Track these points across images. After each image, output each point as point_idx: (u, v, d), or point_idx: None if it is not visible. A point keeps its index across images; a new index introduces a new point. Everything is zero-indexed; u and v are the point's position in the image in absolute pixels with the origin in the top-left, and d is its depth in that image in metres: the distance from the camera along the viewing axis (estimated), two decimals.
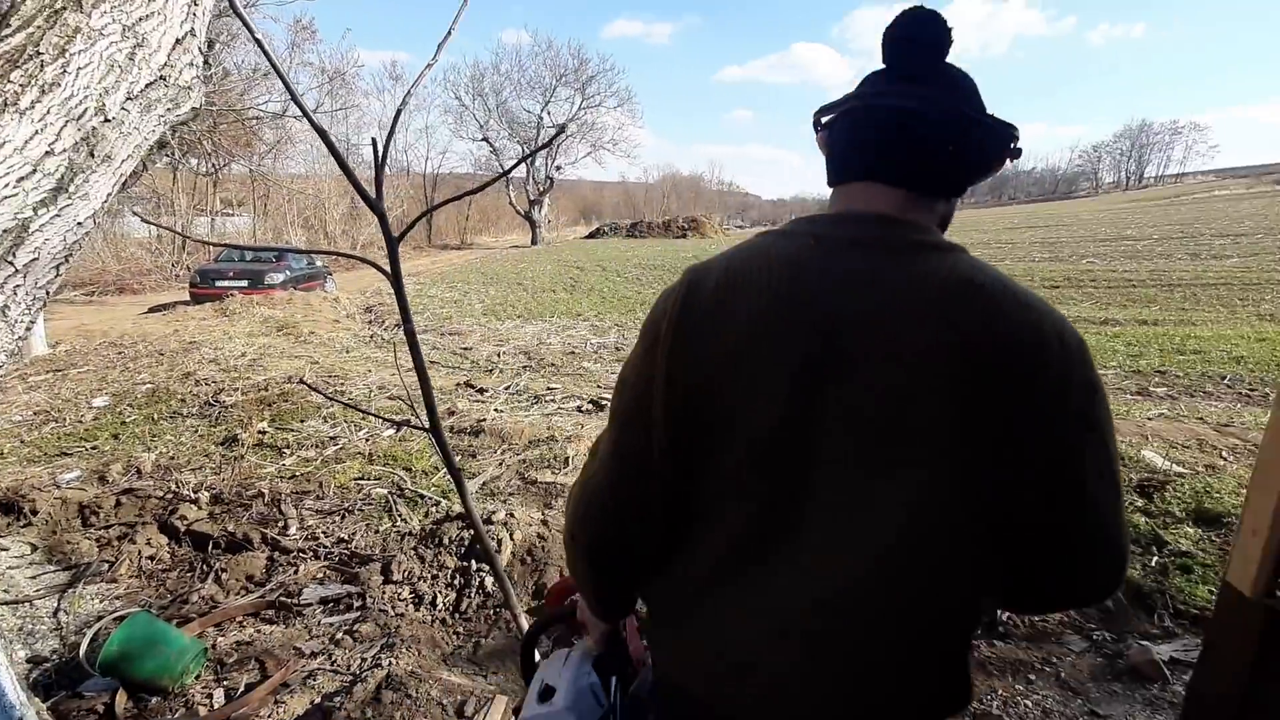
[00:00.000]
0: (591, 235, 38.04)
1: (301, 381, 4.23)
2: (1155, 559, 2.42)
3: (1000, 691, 1.97)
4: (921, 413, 0.63)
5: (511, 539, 2.70)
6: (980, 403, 0.62)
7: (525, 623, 1.81)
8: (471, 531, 2.66)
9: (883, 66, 0.74)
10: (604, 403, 4.41)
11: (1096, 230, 20.82)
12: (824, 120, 0.78)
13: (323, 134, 1.40)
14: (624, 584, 0.82)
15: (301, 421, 4.20)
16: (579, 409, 4.42)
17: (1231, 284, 9.00)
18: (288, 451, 3.77)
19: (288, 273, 11.24)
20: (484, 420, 4.05)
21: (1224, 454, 3.16)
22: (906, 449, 0.63)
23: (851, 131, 0.74)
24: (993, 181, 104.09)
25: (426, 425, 1.58)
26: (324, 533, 2.94)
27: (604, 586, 0.84)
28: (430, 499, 3.15)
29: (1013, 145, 0.74)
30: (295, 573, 2.66)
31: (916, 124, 0.70)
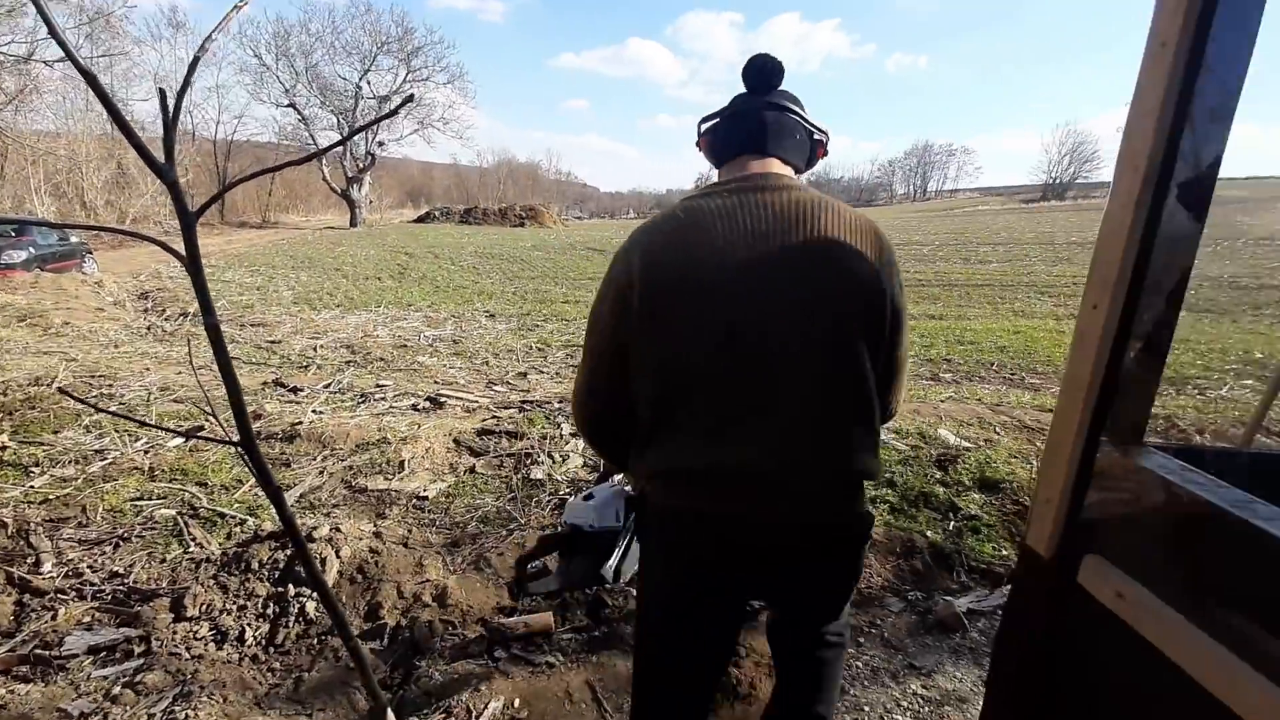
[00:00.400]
0: (421, 219, 35.79)
1: (54, 385, 3.41)
2: (952, 523, 2.76)
3: None
4: (835, 277, 1.01)
5: (338, 556, 2.39)
6: (865, 261, 1.03)
7: (363, 650, 1.57)
8: (289, 551, 2.31)
9: (744, 90, 1.16)
10: (444, 400, 4.11)
11: (893, 236, 23.83)
12: (705, 126, 1.19)
13: (93, 81, 1.06)
14: (621, 451, 1.16)
15: (55, 433, 3.39)
16: (415, 407, 4.08)
17: (994, 285, 10.77)
18: (36, 470, 3.02)
19: (31, 250, 9.16)
20: (299, 424, 3.56)
21: (997, 429, 3.73)
22: (831, 303, 1.00)
23: (733, 126, 1.15)
24: (809, 182, 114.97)
25: (235, 438, 1.29)
26: (91, 567, 2.39)
27: (607, 455, 1.23)
28: (233, 517, 2.69)
29: (825, 143, 1.22)
30: (53, 618, 2.12)
31: (774, 119, 1.13)
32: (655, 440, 1.05)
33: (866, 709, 1.97)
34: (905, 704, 2.00)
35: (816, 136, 1.19)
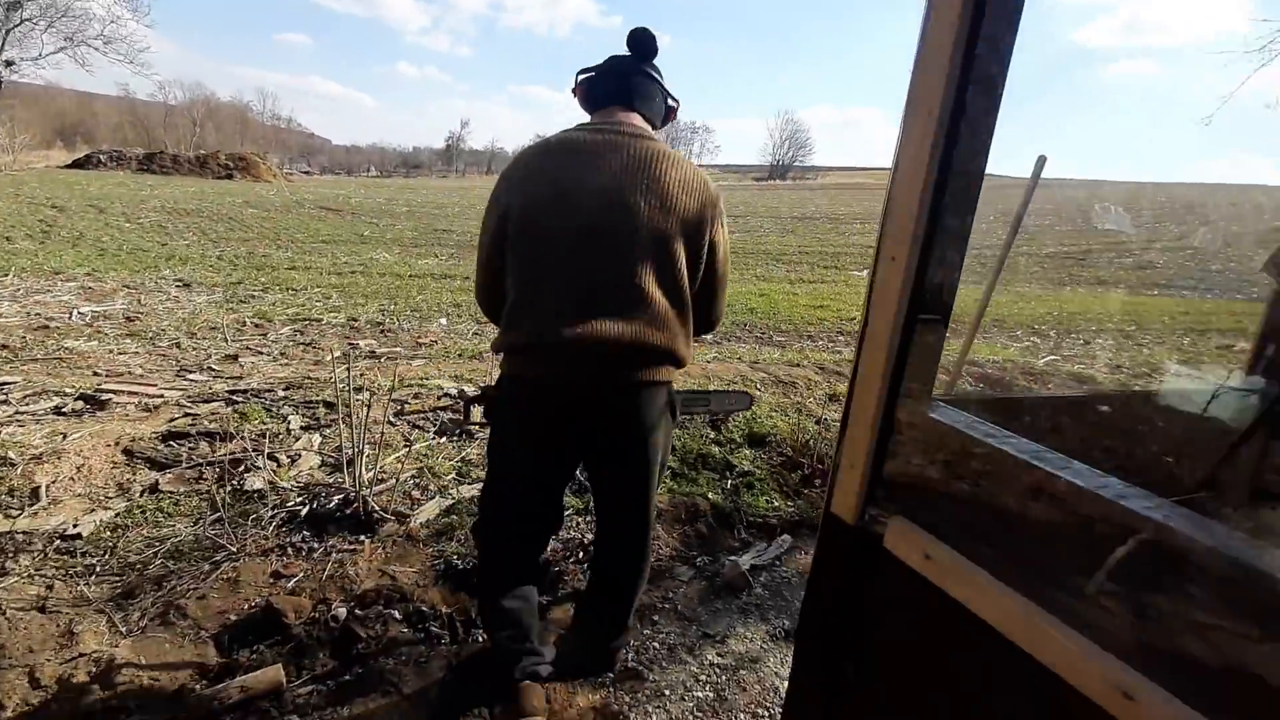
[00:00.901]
0: (78, 164, 27.86)
1: None
2: (729, 481, 2.80)
3: (632, 642, 1.95)
4: (670, 209, 1.29)
5: None
6: (694, 202, 1.33)
7: None
8: None
9: (621, 53, 1.44)
10: (107, 397, 3.05)
11: None
12: (583, 77, 1.45)
13: None
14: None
15: None
16: (60, 410, 2.95)
17: (738, 253, 11.79)
18: None
19: None
20: None
21: (758, 385, 3.95)
22: (664, 228, 1.29)
23: (607, 80, 1.42)
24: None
25: None
26: None
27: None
28: None
29: (676, 109, 1.52)
30: None
31: (640, 82, 1.42)
32: (511, 322, 1.34)
33: (667, 692, 1.84)
34: (704, 677, 1.92)
35: (670, 103, 1.50)
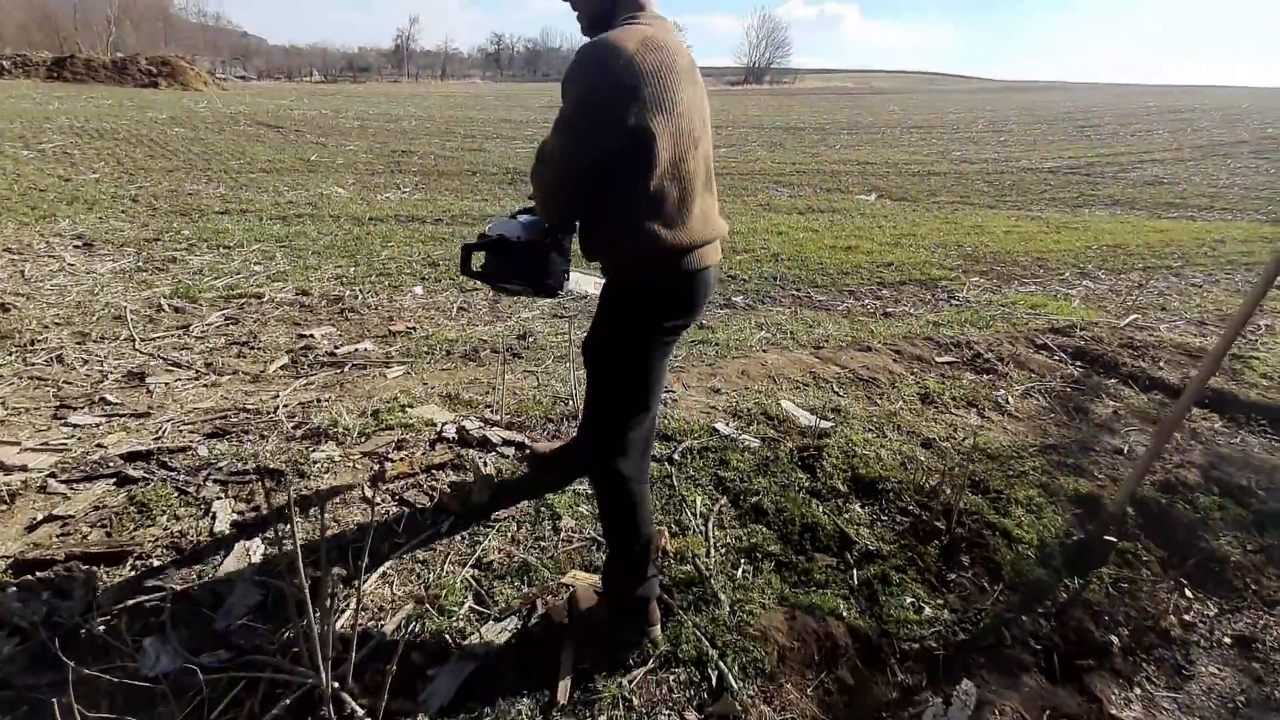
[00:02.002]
0: None
1: None
2: (854, 571, 1.99)
3: None
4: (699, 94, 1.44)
5: None
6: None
7: None
8: None
9: None
10: None
11: None
12: None
13: None
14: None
15: None
16: None
17: (731, 173, 10.57)
18: None
19: None
20: None
21: (836, 388, 3.11)
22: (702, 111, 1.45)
23: None
24: (529, 57, 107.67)
25: None
26: None
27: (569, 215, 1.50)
28: None
29: None
30: None
31: None
32: (671, 222, 1.39)
33: None
34: None
35: None
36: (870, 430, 2.74)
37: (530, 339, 3.56)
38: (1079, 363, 3.74)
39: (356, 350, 3.23)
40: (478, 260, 1.60)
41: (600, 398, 1.56)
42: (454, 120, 18.57)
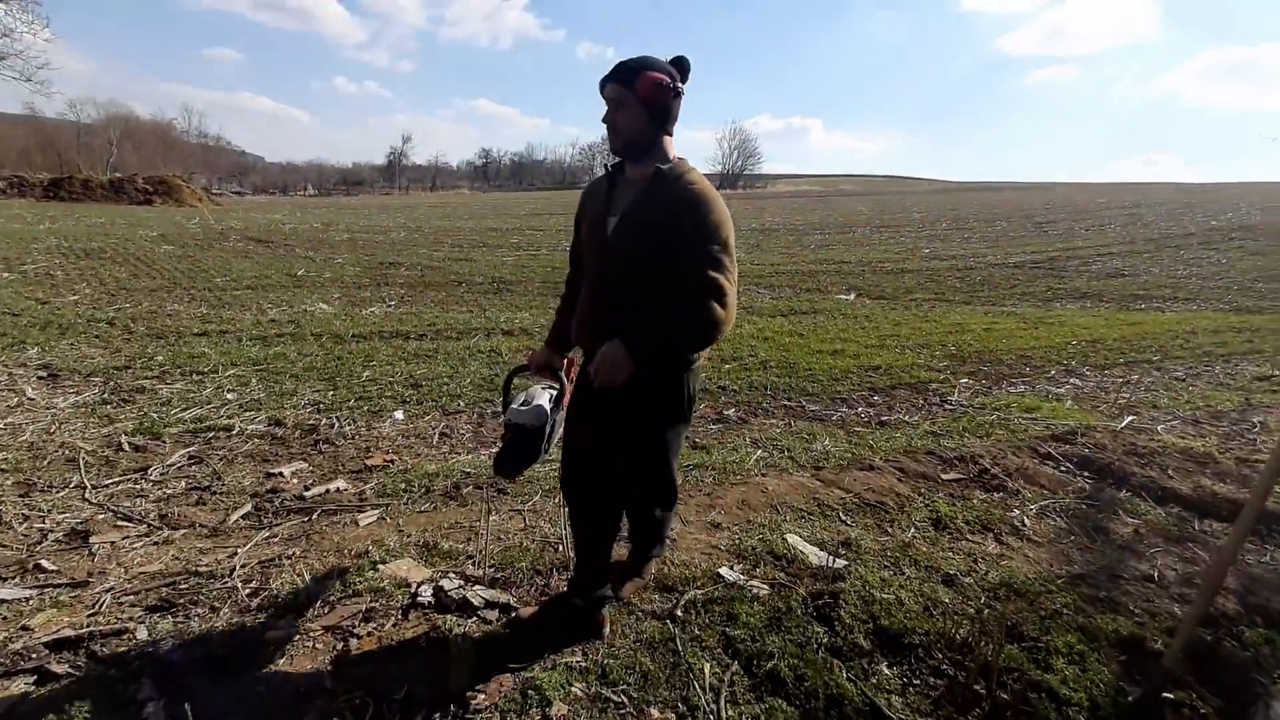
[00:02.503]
0: None
1: None
2: None
3: None
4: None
5: None
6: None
7: None
8: None
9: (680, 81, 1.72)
10: None
11: None
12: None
13: None
14: (565, 314, 2.04)
15: None
16: None
17: None
18: None
19: None
20: None
21: (844, 518, 2.92)
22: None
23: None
24: (514, 168, 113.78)
25: None
26: None
27: (560, 313, 2.07)
28: None
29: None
30: None
31: None
32: None
33: None
34: None
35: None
36: (886, 566, 2.54)
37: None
38: (1086, 473, 3.60)
39: (328, 492, 3.00)
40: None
41: (670, 469, 1.98)
42: (442, 230, 19.16)
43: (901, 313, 9.10)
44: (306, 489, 3.02)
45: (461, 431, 3.95)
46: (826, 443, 3.92)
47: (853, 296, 10.55)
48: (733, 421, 4.37)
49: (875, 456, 3.63)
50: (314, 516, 2.75)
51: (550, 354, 2.00)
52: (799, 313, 8.87)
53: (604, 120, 1.69)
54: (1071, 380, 5.88)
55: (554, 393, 1.97)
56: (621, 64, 1.63)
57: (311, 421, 3.95)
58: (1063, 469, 3.64)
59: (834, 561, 2.52)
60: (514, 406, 1.90)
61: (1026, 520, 3.03)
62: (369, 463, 3.37)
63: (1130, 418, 4.60)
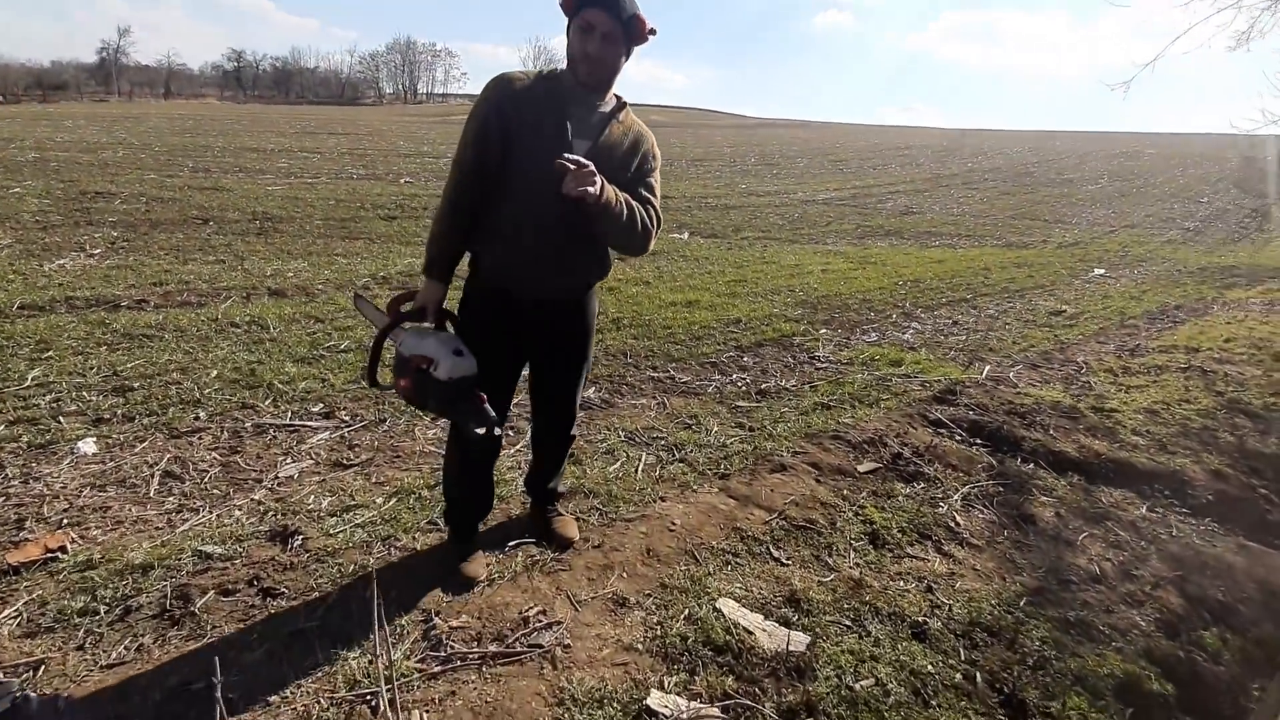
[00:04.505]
0: None
1: None
2: None
3: None
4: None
5: None
6: None
7: None
8: None
9: None
10: None
11: (397, 144, 20.85)
12: None
13: None
14: (460, 242, 1.78)
15: None
16: None
17: None
18: None
19: None
20: None
21: (773, 551, 2.23)
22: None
23: None
24: (277, 76, 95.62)
25: None
26: None
27: (451, 242, 1.77)
28: None
29: None
30: None
31: None
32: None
33: None
34: None
35: None
36: (848, 628, 1.90)
37: (298, 541, 2.16)
38: (979, 441, 3.36)
39: None
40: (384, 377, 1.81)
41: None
42: (179, 149, 15.01)
43: (738, 253, 8.79)
44: None
45: (201, 467, 2.58)
46: (714, 428, 3.23)
47: (685, 235, 10.07)
48: (597, 405, 3.50)
49: (781, 449, 3.02)
50: None
51: (444, 291, 1.81)
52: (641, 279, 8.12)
53: (586, 50, 1.67)
54: (912, 325, 5.89)
55: (448, 335, 1.76)
56: (620, 1, 1.62)
57: None
58: (958, 438, 3.36)
59: (790, 640, 1.82)
60: (443, 360, 1.62)
61: (957, 517, 2.63)
62: (12, 558, 1.95)
63: (987, 368, 4.57)
